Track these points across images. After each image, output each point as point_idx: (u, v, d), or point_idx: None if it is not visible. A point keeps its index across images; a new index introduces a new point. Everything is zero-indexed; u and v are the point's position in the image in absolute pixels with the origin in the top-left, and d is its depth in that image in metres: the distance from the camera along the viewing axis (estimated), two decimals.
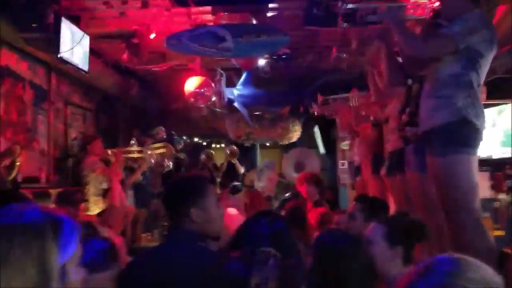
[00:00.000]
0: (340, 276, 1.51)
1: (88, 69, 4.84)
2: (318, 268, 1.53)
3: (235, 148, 7.68)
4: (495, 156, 5.60)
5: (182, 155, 7.52)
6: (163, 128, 6.82)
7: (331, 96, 5.05)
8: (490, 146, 5.49)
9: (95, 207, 4.76)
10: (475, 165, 2.60)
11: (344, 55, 3.69)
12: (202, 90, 5.53)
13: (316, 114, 5.65)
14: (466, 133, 2.57)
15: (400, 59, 3.33)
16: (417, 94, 3.11)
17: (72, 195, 3.77)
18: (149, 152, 5.30)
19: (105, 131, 6.84)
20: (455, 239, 2.69)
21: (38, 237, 0.90)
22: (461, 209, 2.56)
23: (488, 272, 1.08)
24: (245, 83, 6.23)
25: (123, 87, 6.68)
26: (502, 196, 5.44)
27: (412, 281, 1.11)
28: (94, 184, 4.94)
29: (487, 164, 5.09)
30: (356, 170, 5.53)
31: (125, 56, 5.14)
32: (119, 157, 5.01)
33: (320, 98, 5.09)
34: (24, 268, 0.87)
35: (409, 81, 3.14)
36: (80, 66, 4.63)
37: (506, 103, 5.56)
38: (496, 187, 5.60)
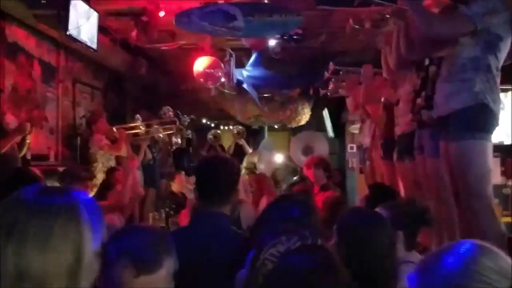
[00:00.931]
0: (365, 255, 1.50)
1: (97, 47, 4.80)
2: (342, 248, 1.52)
3: (241, 128, 7.63)
4: (507, 142, 5.53)
5: (189, 133, 7.49)
6: (171, 108, 6.78)
7: (343, 68, 4.98)
8: (501, 132, 5.42)
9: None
10: (490, 151, 2.57)
11: (357, 26, 3.60)
12: (212, 70, 5.47)
13: (328, 93, 5.58)
14: (483, 118, 2.53)
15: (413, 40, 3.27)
16: (434, 77, 3.05)
17: (76, 172, 3.76)
18: (155, 127, 5.29)
19: (113, 110, 6.83)
20: (466, 225, 2.66)
21: (75, 221, 0.87)
22: (473, 195, 2.54)
23: (506, 261, 1.06)
24: (255, 64, 6.15)
25: (131, 66, 6.64)
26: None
27: (427, 262, 1.10)
28: (102, 161, 4.97)
29: (498, 150, 5.03)
30: (365, 155, 5.49)
31: (134, 34, 5.09)
32: (123, 133, 5.02)
33: (332, 66, 5.02)
34: (62, 252, 0.84)
35: (426, 61, 3.07)
36: (88, 44, 4.59)
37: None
38: (506, 173, 5.55)
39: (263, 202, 3.73)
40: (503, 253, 1.09)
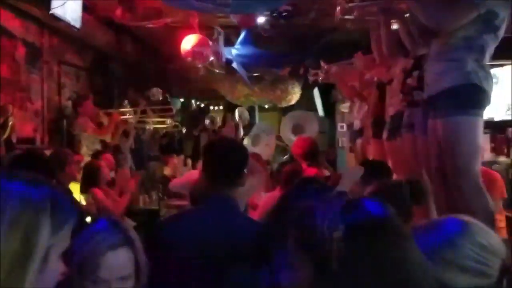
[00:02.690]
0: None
1: (81, 26, 4.67)
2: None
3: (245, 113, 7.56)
4: (497, 118, 5.55)
5: (178, 119, 7.43)
6: (160, 90, 6.68)
7: (335, 63, 4.94)
8: (492, 108, 5.43)
9: None
10: (480, 127, 2.56)
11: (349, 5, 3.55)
12: (200, 49, 5.36)
13: (316, 81, 5.57)
14: (474, 97, 2.52)
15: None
16: (424, 58, 3.03)
17: (64, 156, 3.69)
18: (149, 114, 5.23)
19: (99, 90, 6.71)
20: (454, 201, 2.67)
21: (29, 209, 0.85)
22: (461, 172, 2.53)
23: (496, 240, 1.06)
24: (244, 42, 6.04)
25: (117, 45, 6.50)
26: (502, 159, 5.44)
27: (418, 235, 1.08)
28: (86, 144, 4.90)
29: (488, 126, 5.04)
30: (355, 134, 5.49)
31: (118, 11, 4.97)
32: (116, 118, 4.95)
33: (323, 65, 4.99)
34: (9, 239, 0.83)
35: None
36: (72, 23, 4.46)
37: (509, 64, 5.47)
38: (496, 149, 5.59)
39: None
40: (493, 231, 1.09)
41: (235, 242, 1.67)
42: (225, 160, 1.80)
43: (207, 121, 7.57)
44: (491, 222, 2.28)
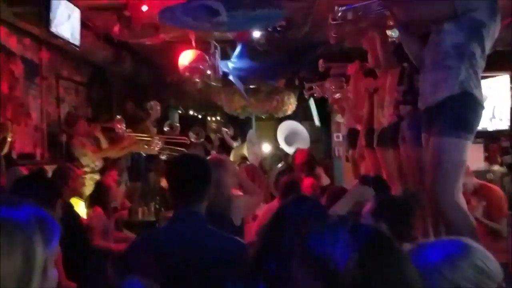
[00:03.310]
0: None
1: (80, 43, 4.75)
2: None
3: (219, 122, 7.63)
4: (490, 128, 5.63)
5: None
6: (158, 103, 6.75)
7: (333, 64, 5.02)
8: (484, 118, 5.51)
9: (91, 182, 4.78)
10: (468, 149, 2.57)
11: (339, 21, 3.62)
12: (197, 64, 5.45)
13: (311, 95, 5.66)
14: (469, 110, 2.51)
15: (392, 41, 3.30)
16: (410, 72, 3.08)
17: (69, 171, 3.77)
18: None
19: (98, 105, 6.78)
20: (438, 215, 2.71)
21: (23, 230, 0.95)
22: (439, 190, 2.54)
23: (494, 265, 1.10)
24: (240, 56, 6.14)
25: (115, 61, 6.58)
26: (496, 168, 5.51)
27: (421, 250, 1.13)
28: (87, 162, 4.96)
29: (481, 136, 5.12)
30: (349, 144, 5.57)
31: (116, 28, 5.05)
32: (132, 139, 5.02)
33: (322, 63, 5.06)
34: (10, 253, 0.92)
35: (405, 65, 3.09)
36: (71, 40, 4.54)
37: (502, 75, 5.56)
38: (490, 158, 5.66)
39: None
40: (490, 255, 1.12)
41: (198, 255, 1.73)
42: (185, 176, 1.85)
43: (192, 135, 7.53)
44: (473, 235, 2.31)
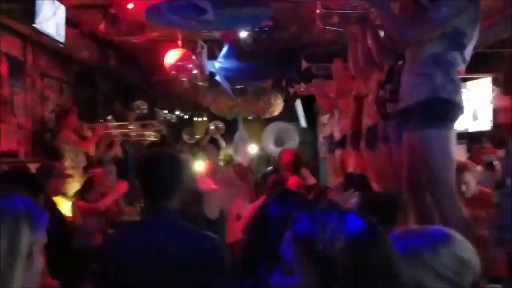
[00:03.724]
0: None
1: (65, 40, 4.72)
2: None
3: (221, 124, 7.65)
4: (472, 129, 5.72)
5: (164, 130, 7.46)
6: (144, 102, 6.73)
7: (315, 64, 5.06)
8: (466, 119, 5.60)
9: (73, 180, 4.76)
10: (452, 140, 2.65)
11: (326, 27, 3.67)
12: (183, 63, 5.44)
13: (297, 94, 5.69)
14: (444, 110, 2.61)
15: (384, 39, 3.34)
16: (400, 71, 3.13)
17: (53, 168, 3.74)
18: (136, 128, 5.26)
19: (83, 104, 6.72)
20: (429, 212, 2.76)
21: (9, 219, 1.01)
22: (436, 184, 2.62)
23: (473, 255, 1.12)
24: (226, 56, 6.14)
25: (101, 59, 6.54)
26: (479, 168, 5.58)
27: (401, 236, 1.16)
28: (71, 157, 4.93)
29: (464, 137, 5.20)
30: (334, 145, 5.61)
31: (102, 26, 5.02)
32: (99, 130, 4.99)
33: (304, 64, 5.09)
34: None
35: (399, 62, 3.13)
36: (55, 37, 4.51)
37: (484, 77, 5.67)
38: (473, 159, 5.74)
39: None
40: (471, 247, 1.15)
41: (171, 252, 1.72)
42: (155, 173, 1.83)
43: (184, 135, 7.56)
44: (466, 229, 2.37)
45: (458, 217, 2.55)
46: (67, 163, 4.86)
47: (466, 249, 1.13)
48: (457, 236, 1.14)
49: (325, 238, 0.93)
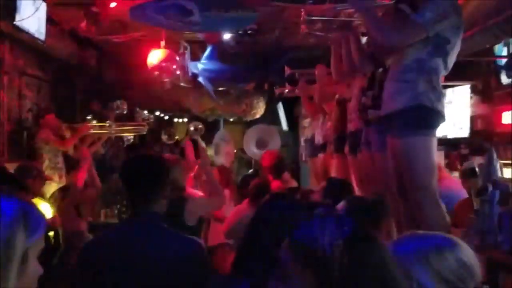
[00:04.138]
0: None
1: (45, 38, 4.61)
2: None
3: (200, 125, 7.60)
4: (450, 135, 5.83)
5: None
6: (124, 102, 6.63)
7: (298, 70, 5.08)
8: (445, 126, 5.70)
9: (50, 181, 4.65)
10: (434, 146, 2.71)
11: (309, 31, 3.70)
12: (167, 64, 5.38)
13: (282, 94, 5.69)
14: (425, 118, 2.66)
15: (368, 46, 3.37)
16: (381, 78, 3.17)
17: (32, 169, 3.64)
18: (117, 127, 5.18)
19: (62, 103, 6.58)
20: (412, 218, 2.80)
21: (4, 221, 0.96)
22: (418, 189, 2.66)
23: (475, 262, 1.14)
24: (210, 58, 6.12)
25: (81, 58, 6.42)
26: (456, 174, 5.69)
27: (407, 240, 1.18)
28: (49, 157, 4.82)
29: (442, 143, 5.29)
30: (315, 149, 5.63)
31: (83, 25, 4.93)
32: (79, 132, 4.90)
33: (287, 70, 5.11)
34: None
35: (380, 70, 3.16)
36: (36, 35, 4.40)
37: (463, 85, 5.78)
38: (450, 165, 5.85)
39: (226, 196, 3.81)
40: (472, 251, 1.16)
41: (154, 255, 1.72)
42: (135, 177, 1.85)
43: (164, 136, 7.50)
44: (446, 231, 2.41)
45: (440, 222, 2.60)
46: (46, 163, 4.75)
47: (470, 255, 1.14)
48: (461, 242, 1.16)
49: (324, 244, 0.94)
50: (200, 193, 3.07)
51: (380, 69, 3.11)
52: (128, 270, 1.70)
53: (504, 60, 4.80)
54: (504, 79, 5.04)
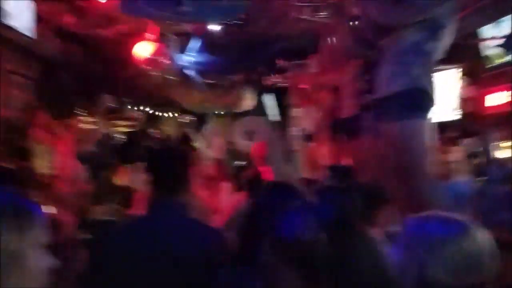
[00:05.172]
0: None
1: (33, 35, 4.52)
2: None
3: (191, 118, 7.56)
4: (441, 119, 5.89)
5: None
6: (112, 97, 6.56)
7: (292, 62, 5.07)
8: (434, 109, 5.75)
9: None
10: (427, 129, 2.74)
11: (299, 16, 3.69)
12: (156, 56, 5.32)
13: (272, 84, 5.68)
14: (420, 100, 2.69)
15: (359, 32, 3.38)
16: (376, 62, 3.18)
17: (26, 169, 3.58)
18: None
19: (49, 100, 6.46)
20: (410, 199, 2.83)
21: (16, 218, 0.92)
22: (415, 170, 2.69)
23: (488, 254, 1.11)
24: (197, 50, 6.06)
25: (65, 53, 6.30)
26: (447, 157, 5.76)
27: (412, 226, 1.15)
28: (42, 156, 4.74)
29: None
30: (307, 137, 5.66)
31: (69, 19, 4.85)
32: (73, 128, 4.83)
33: (280, 62, 5.10)
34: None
35: (375, 53, 3.17)
36: (25, 32, 4.31)
37: (452, 69, 5.84)
38: (441, 148, 5.92)
39: (225, 188, 3.79)
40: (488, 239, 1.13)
41: (179, 252, 1.70)
42: (166, 166, 1.85)
43: (152, 130, 7.45)
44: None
45: (438, 203, 2.63)
46: (40, 163, 4.67)
47: (480, 247, 1.10)
48: (476, 232, 1.12)
49: (304, 238, 0.92)
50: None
51: (376, 53, 3.13)
52: (154, 259, 1.68)
53: (493, 42, 4.85)
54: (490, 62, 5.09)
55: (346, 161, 3.93)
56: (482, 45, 5.27)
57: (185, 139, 7.50)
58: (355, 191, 2.16)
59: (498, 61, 5.04)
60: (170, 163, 1.85)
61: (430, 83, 2.74)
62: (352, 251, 0.90)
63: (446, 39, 2.73)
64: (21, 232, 0.92)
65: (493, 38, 4.96)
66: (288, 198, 1.63)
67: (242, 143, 7.61)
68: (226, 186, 3.95)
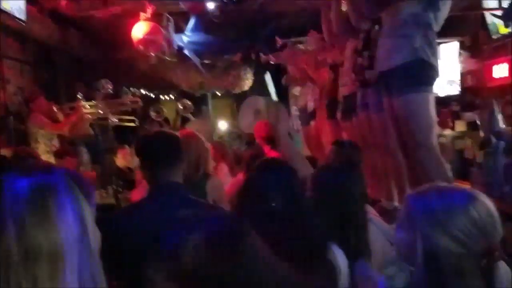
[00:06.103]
0: (342, 206, 1.61)
1: (26, 18, 4.45)
2: (321, 204, 1.60)
3: (188, 102, 7.50)
4: (441, 93, 5.84)
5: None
6: (109, 81, 6.48)
7: (290, 39, 5.01)
8: (436, 84, 5.70)
9: None
10: (432, 102, 2.71)
11: None
12: (152, 37, 5.23)
13: (270, 62, 5.61)
14: (423, 73, 2.65)
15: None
16: (376, 37, 3.13)
17: (28, 154, 3.55)
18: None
19: (45, 85, 6.41)
20: (415, 174, 2.82)
21: (51, 191, 0.89)
22: (419, 145, 2.67)
23: (492, 221, 1.11)
24: (194, 29, 5.97)
25: (61, 37, 6.23)
26: (447, 132, 5.75)
27: (420, 197, 1.15)
28: (44, 141, 4.72)
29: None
30: (309, 116, 5.61)
31: (63, 2, 4.77)
32: (79, 112, 4.80)
33: (279, 41, 5.04)
34: (67, 223, 0.88)
35: (376, 27, 3.12)
36: (16, 15, 4.24)
37: (451, 41, 5.77)
38: (441, 123, 5.89)
39: (223, 169, 3.76)
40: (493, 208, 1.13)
41: (185, 226, 1.70)
42: (159, 150, 1.88)
43: (152, 113, 7.39)
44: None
45: (441, 175, 2.62)
46: (41, 147, 4.65)
47: (486, 212, 1.10)
48: (480, 197, 1.12)
49: (183, 250, 0.88)
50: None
51: (376, 27, 3.07)
52: (161, 239, 1.67)
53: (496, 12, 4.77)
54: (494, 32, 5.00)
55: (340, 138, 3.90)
56: (487, 15, 5.17)
57: (183, 123, 7.45)
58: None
59: (503, 32, 4.94)
60: (165, 148, 1.88)
61: (433, 54, 2.69)
62: (237, 261, 0.86)
63: (444, 10, 2.68)
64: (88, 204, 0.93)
65: (495, 9, 4.88)
66: (280, 176, 1.62)
67: (251, 124, 7.54)
68: (223, 168, 3.92)
